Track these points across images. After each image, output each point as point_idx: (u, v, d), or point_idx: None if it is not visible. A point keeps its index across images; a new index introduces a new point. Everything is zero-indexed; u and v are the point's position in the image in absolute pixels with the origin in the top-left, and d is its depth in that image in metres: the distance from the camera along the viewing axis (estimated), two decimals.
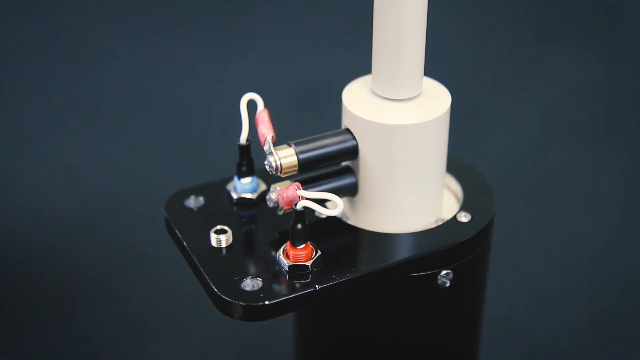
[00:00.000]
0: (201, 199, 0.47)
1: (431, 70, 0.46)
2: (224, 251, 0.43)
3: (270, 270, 0.42)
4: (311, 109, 1.00)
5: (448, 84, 0.45)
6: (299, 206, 0.41)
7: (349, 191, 0.45)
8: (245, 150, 0.46)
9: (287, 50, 1.08)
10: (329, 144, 0.43)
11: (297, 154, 0.43)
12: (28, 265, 0.82)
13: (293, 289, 0.40)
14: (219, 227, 0.44)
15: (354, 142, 0.44)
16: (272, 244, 0.44)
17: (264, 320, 0.40)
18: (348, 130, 0.44)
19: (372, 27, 0.42)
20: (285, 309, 0.40)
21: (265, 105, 0.44)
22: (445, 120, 0.44)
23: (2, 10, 1.13)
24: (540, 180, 0.94)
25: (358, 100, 0.44)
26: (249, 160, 0.46)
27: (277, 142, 0.43)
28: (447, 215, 0.46)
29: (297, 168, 0.43)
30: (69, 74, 1.04)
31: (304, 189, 0.42)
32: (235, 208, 0.46)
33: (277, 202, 0.42)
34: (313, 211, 0.41)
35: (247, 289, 0.41)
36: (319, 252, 0.42)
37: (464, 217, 0.45)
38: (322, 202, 0.41)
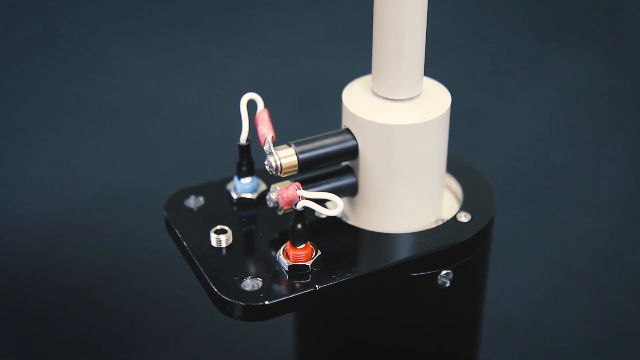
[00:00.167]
0: (201, 199, 0.47)
1: (431, 70, 0.46)
2: (224, 251, 0.43)
3: (270, 270, 0.42)
4: (311, 109, 1.00)
5: (448, 84, 0.45)
6: (299, 206, 0.41)
7: (349, 191, 0.45)
8: (245, 150, 0.46)
9: (287, 50, 1.08)
10: (329, 144, 0.43)
11: (297, 154, 0.43)
12: (28, 265, 0.82)
13: (293, 289, 0.40)
14: (219, 227, 0.44)
15: (354, 142, 0.44)
16: (272, 244, 0.44)
17: (264, 320, 0.40)
18: (348, 130, 0.44)
19: (372, 27, 0.42)
20: (285, 309, 0.40)
21: (265, 105, 0.44)
22: (445, 120, 0.44)
23: (2, 10, 1.13)
24: (540, 180, 0.94)
25: (358, 100, 0.44)
26: (249, 160, 0.46)
27: (277, 142, 0.43)
28: (447, 215, 0.46)
29: (297, 168, 0.43)
30: (69, 74, 1.04)
31: (304, 189, 0.42)
32: (235, 208, 0.46)
33: (277, 202, 0.42)
34: (313, 211, 0.41)
35: (247, 289, 0.41)
36: (319, 252, 0.42)
37: (464, 217, 0.45)
38: (322, 202, 0.41)
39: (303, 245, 0.41)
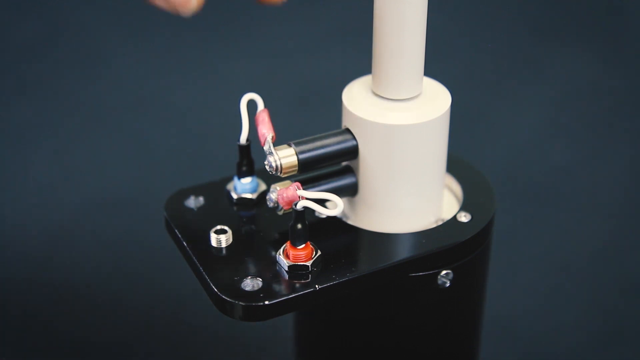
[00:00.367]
0: (201, 199, 0.47)
1: (431, 70, 0.46)
2: (224, 251, 0.43)
3: (270, 270, 0.42)
4: (311, 109, 1.00)
5: (448, 84, 0.45)
6: (299, 206, 0.40)
7: (349, 191, 0.45)
8: (245, 150, 0.46)
9: (287, 50, 1.08)
10: (329, 144, 0.43)
11: (297, 154, 0.43)
12: (28, 265, 0.82)
13: (293, 289, 0.40)
14: (219, 227, 0.44)
15: (354, 142, 0.44)
16: (272, 244, 0.44)
17: (264, 320, 0.40)
18: (348, 130, 0.44)
19: (372, 27, 0.42)
20: (285, 309, 0.40)
21: (265, 105, 0.44)
22: (445, 120, 0.44)
23: (2, 10, 1.13)
24: (540, 180, 0.94)
25: (358, 100, 0.44)
26: (249, 160, 0.46)
27: (277, 142, 0.43)
28: (447, 215, 0.46)
29: (297, 168, 0.43)
30: (69, 74, 1.04)
31: (304, 189, 0.41)
32: (235, 208, 0.46)
33: (277, 202, 0.42)
34: (313, 211, 0.41)
35: (247, 289, 0.40)
36: (319, 252, 0.42)
37: (464, 217, 0.45)
38: (322, 202, 0.41)
39: (303, 245, 0.41)
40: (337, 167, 0.45)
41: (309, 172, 0.44)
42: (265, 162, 0.42)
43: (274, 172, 0.42)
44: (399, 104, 0.43)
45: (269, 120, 0.43)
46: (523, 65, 1.10)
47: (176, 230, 0.45)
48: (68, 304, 0.79)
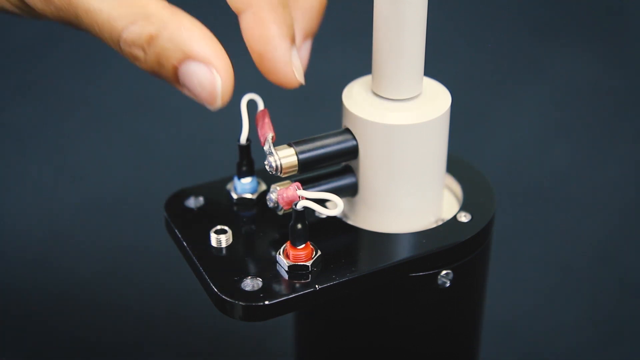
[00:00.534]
0: (201, 199, 0.47)
1: (431, 70, 0.46)
2: (224, 251, 0.43)
3: (270, 270, 0.42)
4: (311, 109, 1.00)
5: (448, 84, 0.45)
6: (299, 206, 0.40)
7: (349, 191, 0.45)
8: (245, 150, 0.46)
9: None
10: (329, 144, 0.43)
11: (297, 154, 0.43)
12: (28, 265, 0.82)
13: (293, 289, 0.40)
14: (219, 227, 0.44)
15: (354, 142, 0.44)
16: (272, 244, 0.44)
17: (264, 320, 0.40)
18: (348, 130, 0.44)
19: (372, 27, 0.42)
20: (285, 309, 0.40)
21: (265, 105, 0.44)
22: (445, 120, 0.44)
23: None
24: (540, 180, 0.94)
25: (358, 100, 0.44)
26: (249, 160, 0.46)
27: (277, 142, 0.43)
28: (447, 215, 0.46)
29: (297, 168, 0.43)
30: (69, 74, 1.04)
31: (304, 189, 0.42)
32: (235, 208, 0.46)
33: (277, 202, 0.42)
34: (313, 211, 0.41)
35: (247, 289, 0.40)
36: (319, 252, 0.42)
37: (464, 217, 0.45)
38: (322, 202, 0.41)
39: (303, 245, 0.41)
40: (337, 167, 0.45)
41: (309, 172, 0.44)
42: (265, 162, 0.42)
43: (274, 172, 0.42)
44: (399, 104, 0.43)
45: (269, 120, 0.43)
46: (523, 65, 1.10)
47: (176, 230, 0.45)
48: (68, 304, 0.79)
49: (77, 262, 0.82)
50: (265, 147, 0.42)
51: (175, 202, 0.46)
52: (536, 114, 1.03)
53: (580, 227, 0.88)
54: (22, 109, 1.01)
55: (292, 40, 0.42)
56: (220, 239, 0.43)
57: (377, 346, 0.46)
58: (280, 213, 0.42)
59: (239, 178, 0.46)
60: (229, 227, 0.44)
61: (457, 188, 0.48)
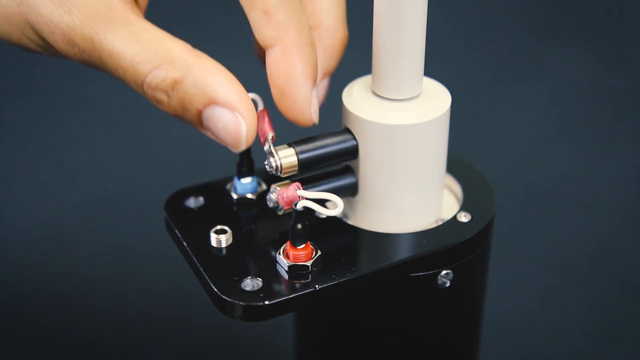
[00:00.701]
0: (201, 199, 0.47)
1: (431, 70, 0.46)
2: (224, 251, 0.43)
3: (270, 270, 0.42)
4: None
5: (448, 84, 0.45)
6: (299, 206, 0.41)
7: (349, 191, 0.45)
8: (245, 150, 0.46)
9: None
10: (329, 144, 0.43)
11: (297, 154, 0.42)
12: (28, 265, 0.82)
13: (293, 289, 0.40)
14: (219, 227, 0.44)
15: (354, 142, 0.44)
16: (272, 244, 0.43)
17: (264, 320, 0.40)
18: (348, 130, 0.44)
19: (372, 27, 0.42)
20: (285, 309, 0.40)
21: (266, 106, 0.44)
22: (445, 120, 0.44)
23: None
24: (540, 180, 0.94)
25: (358, 100, 0.44)
26: (249, 160, 0.46)
27: (277, 142, 0.43)
28: (447, 215, 0.46)
29: (297, 168, 0.43)
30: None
31: (304, 189, 0.42)
32: (235, 208, 0.46)
33: (277, 202, 0.42)
34: (313, 211, 0.41)
35: (247, 289, 0.40)
36: (319, 252, 0.42)
37: (464, 217, 0.45)
38: (322, 202, 0.41)
39: (303, 245, 0.41)
40: (337, 167, 0.45)
41: (309, 172, 0.44)
42: (265, 162, 0.42)
43: (274, 172, 0.42)
44: (399, 104, 0.43)
45: (269, 120, 0.43)
46: (523, 65, 1.10)
47: (176, 230, 0.45)
48: (68, 304, 0.78)
49: (76, 262, 0.82)
50: (265, 147, 0.42)
51: (175, 202, 0.46)
52: (536, 114, 1.03)
53: (580, 227, 0.88)
54: (22, 109, 1.01)
55: (315, 81, 0.42)
56: (220, 239, 0.43)
57: (377, 346, 0.46)
58: (280, 213, 0.42)
59: (239, 178, 0.46)
60: (229, 227, 0.44)
61: (457, 188, 0.48)
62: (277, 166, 0.42)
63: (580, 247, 0.86)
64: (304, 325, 0.50)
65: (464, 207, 0.46)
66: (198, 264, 0.42)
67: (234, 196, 0.46)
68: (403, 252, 0.43)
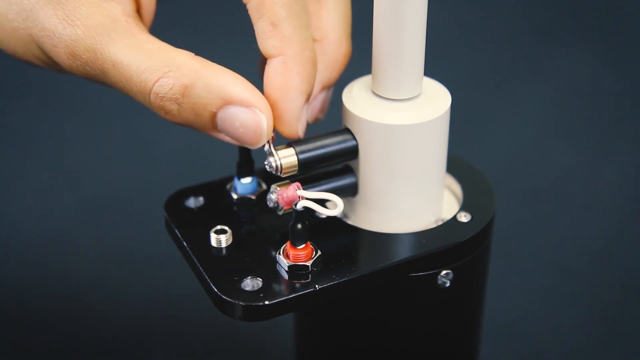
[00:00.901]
0: (201, 199, 0.47)
1: (431, 70, 0.46)
2: (224, 251, 0.43)
3: (270, 270, 0.42)
4: None
5: (448, 84, 0.45)
6: (299, 206, 0.41)
7: (349, 191, 0.45)
8: (245, 150, 0.46)
9: None
10: (329, 144, 0.43)
11: (297, 154, 0.43)
12: (28, 265, 0.82)
13: (293, 289, 0.40)
14: (219, 227, 0.44)
15: (354, 142, 0.44)
16: (272, 244, 0.44)
17: (264, 320, 0.40)
18: (348, 130, 0.44)
19: (372, 27, 0.42)
20: (285, 309, 0.40)
21: None
22: (445, 120, 0.44)
23: None
24: (540, 180, 0.94)
25: (358, 100, 0.44)
26: (249, 160, 0.46)
27: (277, 142, 0.43)
28: (447, 215, 0.46)
29: (297, 168, 0.43)
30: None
31: (304, 189, 0.42)
32: (235, 208, 0.46)
33: (277, 202, 0.42)
34: (313, 211, 0.41)
35: (247, 289, 0.41)
36: (319, 252, 0.42)
37: (464, 217, 0.45)
38: (322, 202, 0.41)
39: (303, 245, 0.41)
40: (337, 167, 0.45)
41: (309, 172, 0.44)
42: (265, 162, 0.42)
43: (274, 172, 0.42)
44: (399, 104, 0.43)
45: None
46: (523, 65, 1.10)
47: (176, 230, 0.45)
48: (67, 304, 0.78)
49: (76, 262, 0.82)
50: (265, 147, 0.42)
51: (175, 202, 0.46)
52: (536, 114, 1.03)
53: (580, 227, 0.88)
54: (22, 109, 1.01)
55: (308, 98, 0.42)
56: (220, 239, 0.43)
57: (377, 346, 0.46)
58: (280, 213, 0.42)
59: (239, 178, 0.46)
60: (229, 227, 0.44)
61: (457, 188, 0.48)
62: (277, 166, 0.42)
63: (580, 247, 0.86)
64: (304, 325, 0.50)
65: (464, 207, 0.46)
66: (198, 264, 0.42)
67: (234, 196, 0.46)
68: (403, 252, 0.43)
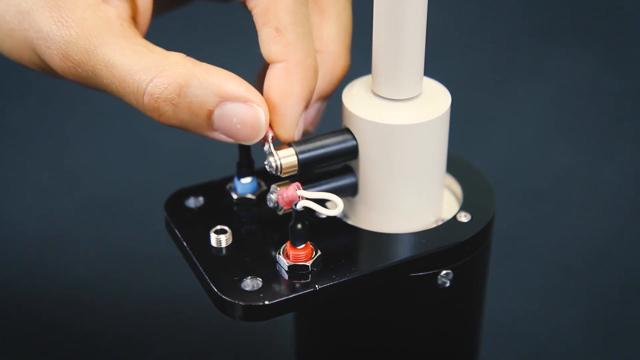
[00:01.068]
0: (201, 199, 0.47)
1: (431, 70, 0.46)
2: (224, 251, 0.43)
3: (270, 270, 0.42)
4: None
5: (448, 84, 0.45)
6: (299, 206, 0.41)
7: (349, 191, 0.45)
8: (245, 150, 0.46)
9: None
10: (329, 144, 0.43)
11: (297, 154, 0.43)
12: (28, 265, 0.82)
13: (293, 289, 0.40)
14: (219, 227, 0.44)
15: (354, 142, 0.44)
16: (272, 244, 0.44)
17: (264, 320, 0.40)
18: (348, 130, 0.44)
19: (372, 27, 0.42)
20: (285, 309, 0.40)
21: None
22: (445, 120, 0.44)
23: None
24: (540, 180, 0.94)
25: (358, 100, 0.44)
26: (249, 160, 0.46)
27: (277, 142, 0.43)
28: (447, 215, 0.46)
29: (297, 168, 0.43)
30: None
31: (304, 189, 0.42)
32: (235, 208, 0.46)
33: (277, 202, 0.42)
34: (313, 211, 0.41)
35: (247, 289, 0.41)
36: (319, 252, 0.42)
37: (464, 217, 0.45)
38: (322, 202, 0.41)
39: (303, 245, 0.41)
40: (337, 167, 0.45)
41: (309, 172, 0.44)
42: (265, 162, 0.43)
43: (274, 172, 0.42)
44: (399, 104, 0.43)
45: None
46: (523, 65, 1.10)
47: (176, 230, 0.45)
48: (67, 304, 0.78)
49: (76, 262, 0.82)
50: (265, 147, 0.42)
51: (175, 202, 0.46)
52: (536, 114, 1.03)
53: (580, 227, 0.88)
54: (22, 109, 1.01)
55: (307, 105, 0.43)
56: (220, 239, 0.43)
57: (377, 346, 0.46)
58: (280, 213, 0.42)
59: (239, 178, 0.46)
60: (229, 227, 0.44)
61: (457, 188, 0.48)
62: (277, 166, 0.42)
63: (580, 247, 0.86)
64: (304, 325, 0.50)
65: (464, 207, 0.46)
66: (198, 264, 0.42)
67: (234, 196, 0.46)
68: (403, 252, 0.43)
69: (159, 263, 0.81)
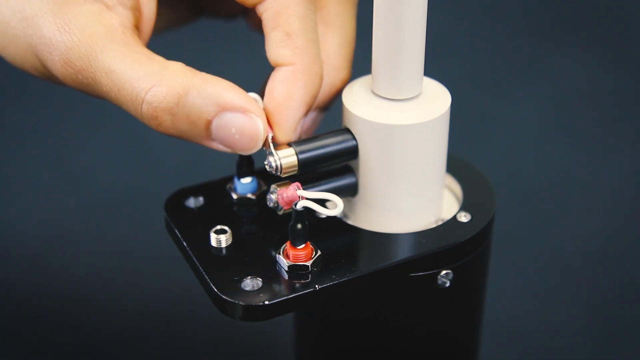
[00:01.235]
0: (201, 199, 0.47)
1: (431, 70, 0.46)
2: (224, 251, 0.43)
3: (270, 270, 0.42)
4: None
5: (448, 84, 0.45)
6: (299, 206, 0.41)
7: (349, 191, 0.45)
8: None
9: None
10: (329, 144, 0.43)
11: (297, 154, 0.43)
12: (28, 265, 0.82)
13: (293, 289, 0.40)
14: (219, 227, 0.44)
15: (354, 142, 0.44)
16: (272, 244, 0.44)
17: (264, 320, 0.40)
18: (348, 130, 0.44)
19: (372, 27, 0.42)
20: (285, 309, 0.40)
21: None
22: (445, 120, 0.44)
23: None
24: (540, 180, 0.94)
25: (358, 100, 0.44)
26: (249, 160, 0.46)
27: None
28: (447, 215, 0.46)
29: (297, 168, 0.43)
30: None
31: (304, 189, 0.42)
32: (235, 208, 0.46)
33: (277, 202, 0.42)
34: (313, 211, 0.41)
35: (247, 289, 0.41)
36: (319, 252, 0.42)
37: (464, 217, 0.45)
38: (322, 202, 0.41)
39: (303, 245, 0.41)
40: (337, 167, 0.45)
41: (309, 172, 0.44)
42: (265, 162, 0.43)
43: (273, 172, 0.42)
44: (399, 104, 0.43)
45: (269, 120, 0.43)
46: (523, 65, 1.10)
47: (176, 230, 0.45)
48: (67, 304, 0.78)
49: (76, 262, 0.82)
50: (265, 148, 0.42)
51: (175, 202, 0.46)
52: (536, 114, 1.03)
53: (580, 227, 0.88)
54: (22, 109, 1.01)
55: (308, 111, 0.43)
56: (220, 239, 0.43)
57: (377, 346, 0.46)
58: (280, 213, 0.42)
59: (239, 178, 0.46)
60: (229, 227, 0.44)
61: (457, 188, 0.48)
62: (277, 166, 0.42)
63: (580, 247, 0.86)
64: (304, 325, 0.50)
65: (464, 207, 0.46)
66: (198, 264, 0.42)
67: (234, 196, 0.46)
68: (403, 252, 0.43)
69: (159, 263, 0.81)
